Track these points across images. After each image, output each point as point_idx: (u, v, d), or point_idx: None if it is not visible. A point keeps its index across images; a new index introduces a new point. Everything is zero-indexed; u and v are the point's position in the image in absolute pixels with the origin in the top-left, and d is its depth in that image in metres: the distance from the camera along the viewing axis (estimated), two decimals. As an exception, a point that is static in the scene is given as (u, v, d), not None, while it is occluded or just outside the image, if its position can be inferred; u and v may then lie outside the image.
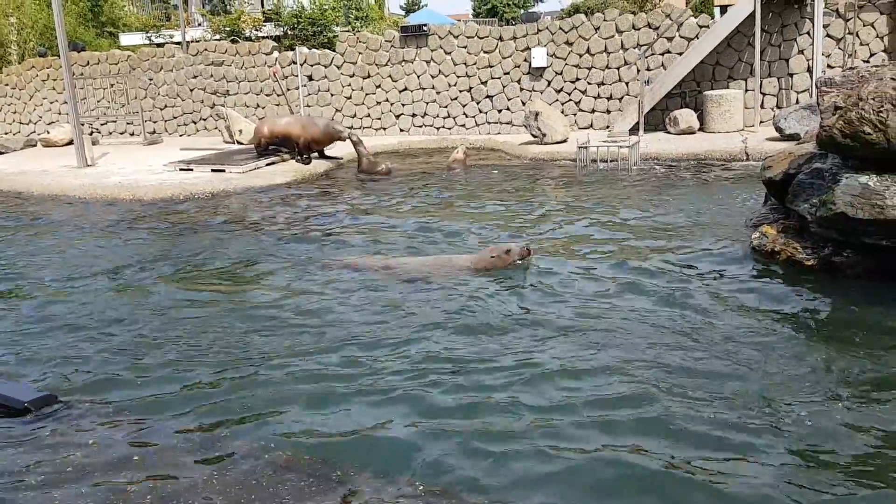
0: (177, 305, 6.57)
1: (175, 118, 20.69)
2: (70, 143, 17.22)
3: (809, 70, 15.22)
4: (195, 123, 20.55)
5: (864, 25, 15.14)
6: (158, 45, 23.25)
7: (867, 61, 15.00)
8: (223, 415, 4.48)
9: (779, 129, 13.65)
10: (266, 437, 4.21)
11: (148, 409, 4.63)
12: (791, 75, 15.61)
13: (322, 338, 5.60)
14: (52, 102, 21.74)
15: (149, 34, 26.04)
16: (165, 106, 20.67)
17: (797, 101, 15.19)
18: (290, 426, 4.31)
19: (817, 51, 14.78)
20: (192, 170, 13.90)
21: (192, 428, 4.36)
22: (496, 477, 3.74)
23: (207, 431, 4.32)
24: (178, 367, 5.21)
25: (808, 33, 15.27)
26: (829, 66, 15.22)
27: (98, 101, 21.00)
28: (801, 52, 15.47)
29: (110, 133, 21.33)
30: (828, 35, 15.26)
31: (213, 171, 13.63)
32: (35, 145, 19.94)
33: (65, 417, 4.56)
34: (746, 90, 15.73)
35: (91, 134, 19.68)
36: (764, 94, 15.77)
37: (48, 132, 19.97)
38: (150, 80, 20.62)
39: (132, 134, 20.93)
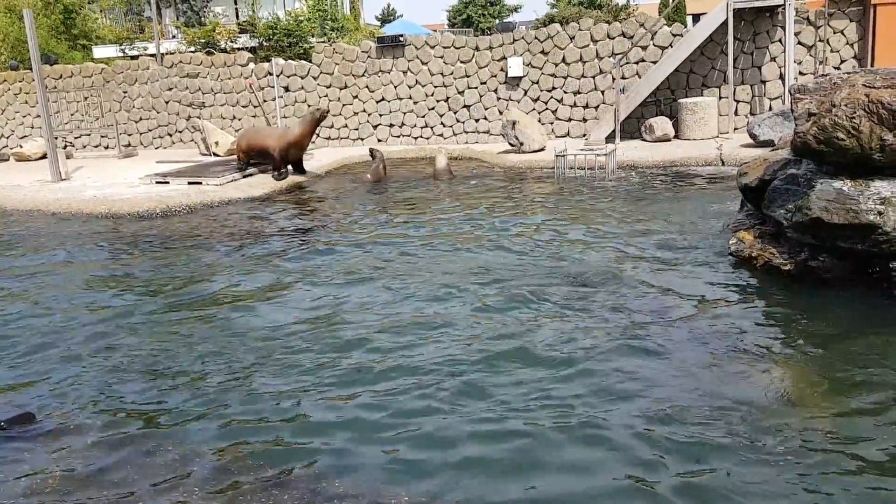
0: (155, 322, 6.51)
1: (150, 131, 20.52)
2: (43, 157, 17.05)
3: (782, 77, 15.43)
4: (171, 136, 20.40)
5: (834, 33, 15.38)
6: (132, 58, 23.09)
7: (838, 68, 15.23)
8: (207, 433, 4.44)
9: (753, 136, 13.81)
10: (249, 453, 4.17)
11: (126, 428, 4.57)
12: (764, 82, 15.81)
13: (306, 354, 5.57)
14: (24, 116, 21.50)
15: (122, 46, 25.84)
16: (140, 119, 20.51)
17: (770, 108, 15.37)
18: (279, 443, 4.29)
19: (789, 58, 14.98)
20: (168, 182, 13.79)
21: (172, 447, 4.31)
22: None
23: (189, 450, 4.28)
24: (157, 384, 5.16)
25: (779, 41, 15.48)
26: (800, 73, 15.43)
27: (72, 115, 20.80)
28: (773, 59, 15.68)
29: (84, 147, 21.12)
30: (799, 42, 15.48)
31: (189, 183, 13.53)
32: (7, 160, 19.68)
33: (42, 436, 4.49)
34: (720, 97, 15.90)
35: (65, 148, 19.48)
36: (738, 102, 15.95)
37: (21, 146, 19.73)
38: (125, 92, 20.45)
39: (107, 147, 20.74)
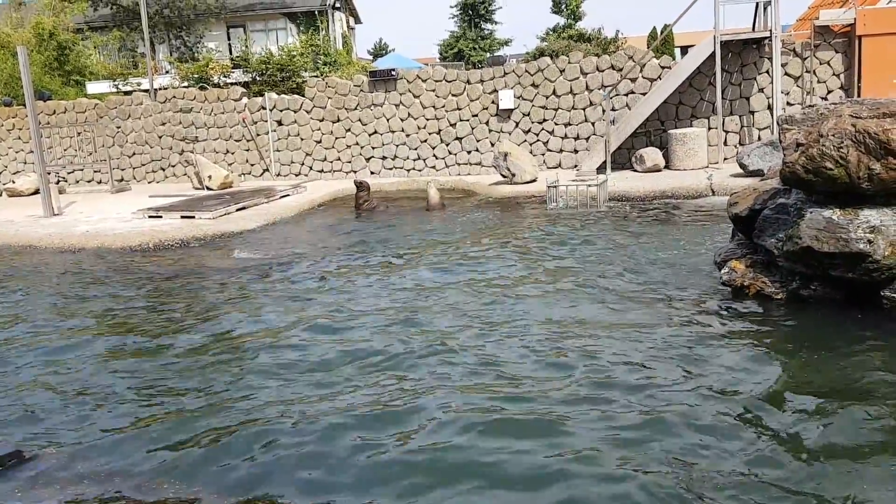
0: (147, 358, 6.47)
1: (143, 165, 20.59)
2: (36, 192, 17.05)
3: (770, 108, 15.61)
4: (164, 170, 20.46)
5: (820, 64, 15.60)
6: (126, 93, 23.21)
7: (825, 98, 15.43)
8: (197, 473, 4.39)
9: (742, 166, 13.93)
10: (243, 492, 4.14)
11: (116, 466, 4.52)
12: (752, 113, 15.99)
13: (301, 388, 5.54)
14: (17, 152, 21.55)
15: (116, 82, 25.98)
16: (133, 153, 20.58)
17: (759, 138, 15.53)
18: (273, 481, 4.24)
19: (776, 89, 15.18)
20: (161, 217, 13.80)
21: (164, 484, 4.26)
22: None
23: (181, 490, 4.23)
24: (148, 422, 5.10)
25: (766, 72, 15.69)
26: (788, 103, 15.63)
27: (65, 150, 20.86)
28: (760, 90, 15.88)
29: (77, 182, 21.16)
30: (786, 73, 15.69)
31: (182, 217, 13.54)
32: (0, 195, 19.69)
33: (31, 475, 4.44)
34: (709, 128, 16.07)
35: (58, 183, 19.50)
36: (727, 132, 16.11)
37: (13, 182, 19.77)
38: (118, 127, 20.55)
39: (100, 182, 20.78)
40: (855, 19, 15.01)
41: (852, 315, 6.24)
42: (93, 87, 26.44)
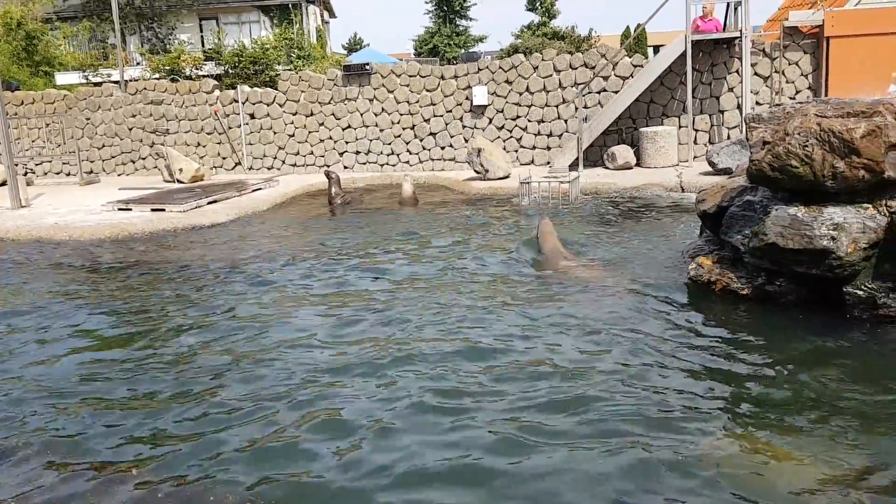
0: (115, 351, 6.42)
1: (113, 158, 20.35)
2: (3, 184, 16.82)
3: (739, 107, 15.81)
4: (134, 163, 20.25)
5: (789, 64, 15.83)
6: (96, 85, 22.92)
7: (793, 98, 15.65)
8: (168, 467, 4.38)
9: (712, 164, 14.11)
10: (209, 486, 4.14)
11: (77, 458, 4.49)
12: (722, 112, 16.19)
13: (271, 380, 5.55)
14: (-17, 142, 21.19)
15: (86, 73, 25.66)
16: (103, 145, 20.34)
17: (728, 137, 15.74)
18: (249, 474, 4.24)
19: (746, 88, 15.38)
20: (131, 209, 13.66)
21: (123, 479, 4.25)
22: None
23: (141, 482, 4.23)
24: (112, 415, 5.07)
25: (736, 72, 15.89)
26: (757, 102, 15.85)
27: (33, 142, 20.55)
28: (730, 89, 16.08)
29: (45, 174, 20.87)
30: (755, 73, 15.90)
31: (153, 210, 13.42)
32: (-34, 186, 19.35)
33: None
34: (680, 127, 16.24)
35: (25, 174, 19.21)
36: (697, 131, 16.30)
37: (-21, 173, 19.42)
38: (88, 119, 20.29)
39: (68, 174, 20.51)
40: (823, 21, 15.25)
41: (816, 311, 6.36)
42: (62, 78, 26.09)
